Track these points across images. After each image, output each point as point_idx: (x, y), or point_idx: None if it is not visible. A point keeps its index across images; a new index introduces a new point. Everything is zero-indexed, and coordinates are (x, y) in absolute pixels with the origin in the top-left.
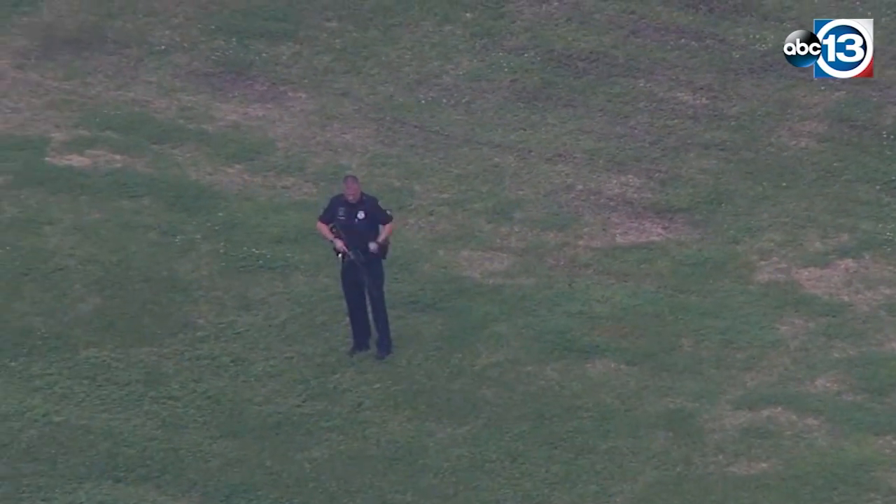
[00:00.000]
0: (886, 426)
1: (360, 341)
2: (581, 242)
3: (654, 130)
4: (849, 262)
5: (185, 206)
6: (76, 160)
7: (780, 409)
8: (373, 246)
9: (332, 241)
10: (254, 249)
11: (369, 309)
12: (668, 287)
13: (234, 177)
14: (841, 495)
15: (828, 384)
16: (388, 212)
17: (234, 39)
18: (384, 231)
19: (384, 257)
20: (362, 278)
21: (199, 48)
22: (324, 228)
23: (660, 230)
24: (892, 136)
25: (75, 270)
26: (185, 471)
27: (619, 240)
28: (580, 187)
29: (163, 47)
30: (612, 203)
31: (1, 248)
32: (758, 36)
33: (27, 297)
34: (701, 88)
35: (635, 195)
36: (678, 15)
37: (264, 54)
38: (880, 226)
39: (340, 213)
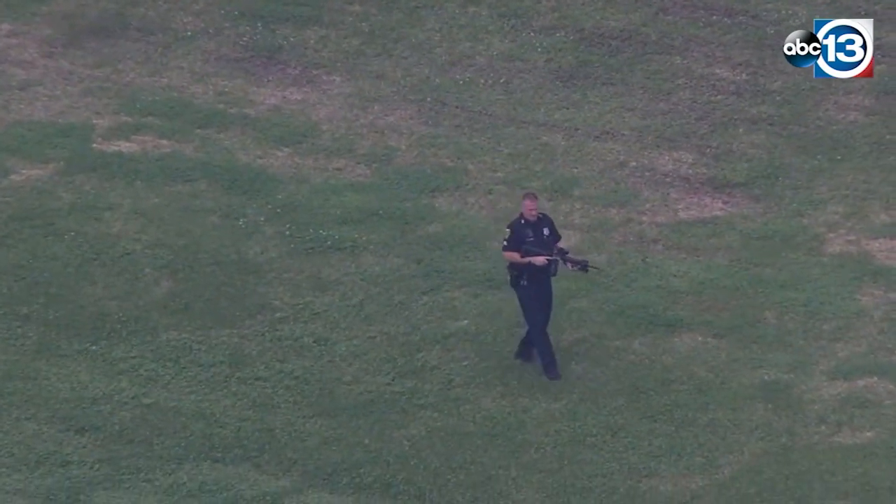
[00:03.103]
0: None
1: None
2: (645, 218)
3: (697, 106)
4: None
5: (243, 189)
6: (124, 146)
7: (875, 378)
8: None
9: (529, 263)
10: (320, 231)
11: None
12: (740, 260)
13: (284, 160)
14: None
15: None
16: None
17: (259, 24)
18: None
19: (587, 270)
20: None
21: (225, 34)
22: (514, 255)
23: (720, 204)
24: None
25: (143, 255)
26: (283, 450)
27: (682, 215)
28: (634, 164)
29: (189, 33)
30: (668, 179)
31: (65, 234)
32: (789, 11)
33: (99, 282)
34: (739, 64)
35: (690, 171)
36: None
37: (292, 38)
38: None
39: (529, 235)
